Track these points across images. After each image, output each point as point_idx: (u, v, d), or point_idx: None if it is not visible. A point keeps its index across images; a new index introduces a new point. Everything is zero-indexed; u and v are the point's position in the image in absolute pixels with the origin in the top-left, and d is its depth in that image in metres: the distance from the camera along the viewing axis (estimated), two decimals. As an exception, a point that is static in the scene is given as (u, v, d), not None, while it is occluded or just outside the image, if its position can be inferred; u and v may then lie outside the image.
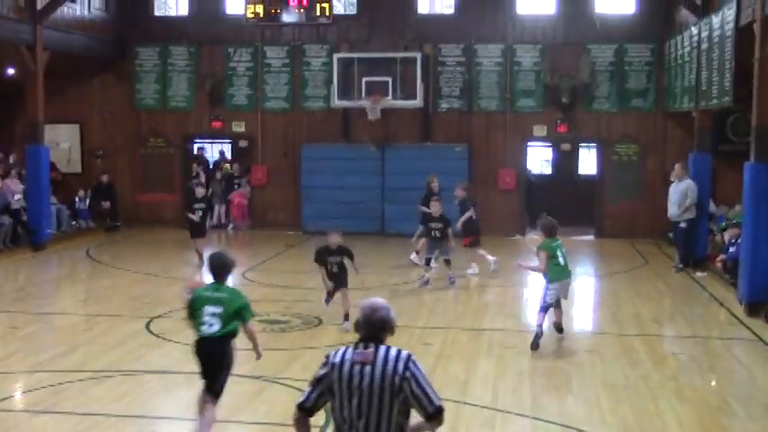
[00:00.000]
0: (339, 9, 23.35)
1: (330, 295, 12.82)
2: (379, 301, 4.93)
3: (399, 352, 4.74)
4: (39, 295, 15.51)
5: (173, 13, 24.30)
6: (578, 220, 22.22)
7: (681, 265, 17.76)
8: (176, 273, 17.11)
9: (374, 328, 4.82)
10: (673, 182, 18.21)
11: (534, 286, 16.30)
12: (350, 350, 4.78)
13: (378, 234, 20.39)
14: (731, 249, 15.75)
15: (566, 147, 23.52)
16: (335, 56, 22.52)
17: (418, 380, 4.65)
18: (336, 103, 22.41)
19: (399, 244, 19.75)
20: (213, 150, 26.90)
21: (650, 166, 22.39)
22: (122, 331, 12.32)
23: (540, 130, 22.86)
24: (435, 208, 15.78)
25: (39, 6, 19.34)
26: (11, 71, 23.04)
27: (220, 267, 8.20)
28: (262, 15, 23.18)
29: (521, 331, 12.73)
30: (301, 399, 4.86)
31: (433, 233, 15.75)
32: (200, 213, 18.02)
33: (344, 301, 12.60)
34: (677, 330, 13.18)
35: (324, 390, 4.78)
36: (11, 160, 22.28)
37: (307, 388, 4.86)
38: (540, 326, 11.48)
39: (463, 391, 9.77)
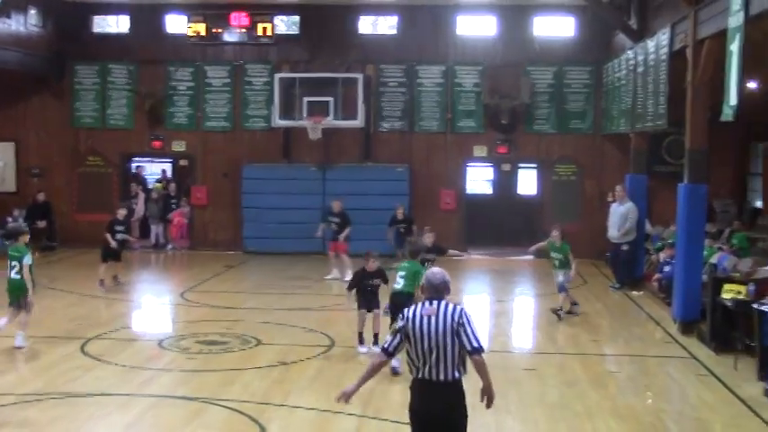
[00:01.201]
0: (281, 29, 23.33)
1: (361, 334, 12.46)
2: (439, 270, 6.58)
3: (455, 306, 6.39)
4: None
5: (112, 30, 24.04)
6: (518, 240, 22.39)
7: (618, 285, 18.01)
8: (114, 294, 16.85)
9: (437, 289, 6.45)
10: (611, 202, 18.47)
11: (475, 306, 16.41)
12: (419, 306, 6.41)
13: (319, 254, 20.33)
14: (666, 269, 16.02)
15: (506, 167, 23.74)
16: (277, 75, 22.47)
17: (466, 326, 6.29)
18: (278, 122, 22.35)
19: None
20: (154, 169, 26.59)
21: (588, 187, 22.72)
22: (57, 353, 12.07)
23: (480, 151, 23.06)
24: (429, 239, 15.17)
25: (-28, 22, 19.02)
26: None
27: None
28: (203, 34, 23.08)
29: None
30: (385, 345, 6.55)
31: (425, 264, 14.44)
32: (121, 237, 17.67)
33: (375, 322, 12.27)
34: (614, 349, 13.32)
35: (402, 337, 6.41)
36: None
37: (388, 337, 6.57)
38: None
39: (401, 413, 9.74)
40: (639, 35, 17.90)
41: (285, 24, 23.49)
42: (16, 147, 24.00)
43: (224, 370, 11.31)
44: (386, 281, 12.37)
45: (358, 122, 21.91)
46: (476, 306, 16.43)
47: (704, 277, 13.64)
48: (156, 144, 23.64)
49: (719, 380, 11.11)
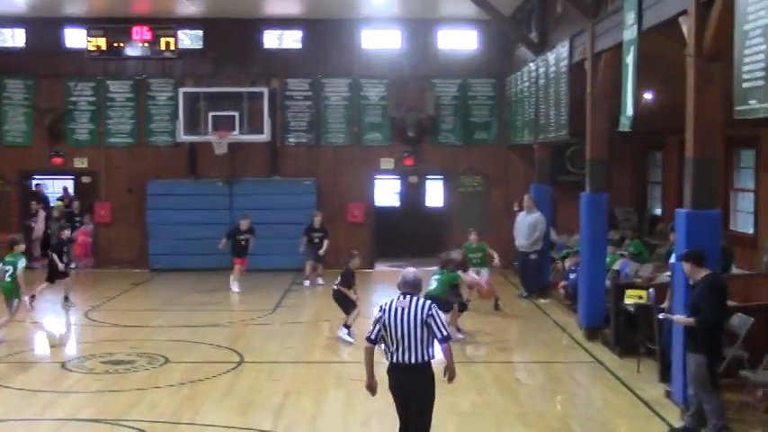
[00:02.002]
0: (185, 43, 23.07)
1: None
2: (412, 270, 7.69)
3: (425, 301, 7.51)
4: None
5: (8, 44, 23.38)
6: (426, 252, 22.51)
7: (526, 294, 18.28)
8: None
9: (410, 285, 7.53)
10: (518, 212, 18.75)
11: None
12: (395, 300, 7.47)
13: (227, 270, 20.10)
14: (572, 276, 16.33)
15: (413, 179, 23.91)
16: (181, 90, 22.16)
17: (435, 317, 7.38)
18: (183, 137, 22.04)
19: (248, 279, 19.56)
20: (55, 187, 25.91)
21: (494, 198, 23.04)
22: (-46, 378, 11.65)
23: (387, 163, 23.17)
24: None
25: None
26: None
27: None
28: (104, 49, 22.65)
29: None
30: (368, 333, 7.55)
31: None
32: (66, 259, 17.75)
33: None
34: (523, 357, 13.54)
35: (381, 326, 7.44)
36: None
37: (369, 327, 7.57)
38: None
39: (312, 426, 9.73)
40: (540, 48, 18.28)
41: (189, 38, 23.21)
42: None
43: (131, 390, 11.08)
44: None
45: (264, 137, 21.77)
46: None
47: (607, 283, 13.95)
48: (57, 161, 23.03)
49: (623, 383, 11.37)
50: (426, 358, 7.41)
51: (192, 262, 21.57)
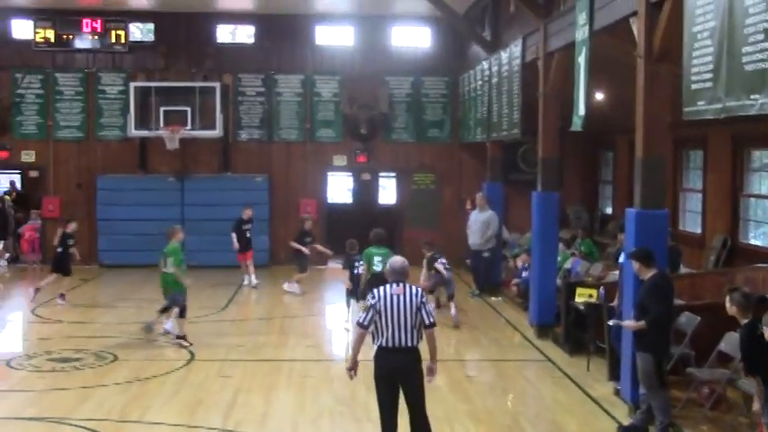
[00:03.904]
0: (136, 36, 22.77)
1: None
2: (400, 258, 8.14)
3: (417, 288, 7.87)
4: None
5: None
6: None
7: (477, 292, 18.34)
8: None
9: (400, 273, 7.89)
10: (471, 210, 18.80)
11: (333, 317, 16.40)
12: (388, 287, 7.78)
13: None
14: (524, 274, 16.43)
15: (365, 176, 23.87)
16: (132, 84, 21.90)
17: (426, 304, 7.81)
18: (133, 132, 21.78)
19: (200, 276, 19.35)
20: (1, 181, 25.40)
21: (447, 195, 23.10)
22: None
23: (340, 160, 23.13)
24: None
25: None
26: None
27: None
28: (53, 41, 22.27)
29: (321, 360, 12.79)
30: (360, 319, 7.79)
31: None
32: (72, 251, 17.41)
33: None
34: (473, 354, 13.58)
35: (374, 312, 7.69)
36: None
37: (362, 313, 7.85)
38: None
39: (262, 424, 9.66)
40: (493, 47, 18.34)
41: (140, 32, 22.94)
42: None
43: (78, 388, 10.92)
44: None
45: (216, 132, 21.61)
46: (334, 316, 16.41)
47: (558, 282, 14.06)
48: (3, 154, 22.63)
49: (573, 381, 11.47)
50: (417, 342, 7.77)
51: (142, 258, 21.21)
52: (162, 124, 21.32)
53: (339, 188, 24.39)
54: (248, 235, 19.04)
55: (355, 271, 14.56)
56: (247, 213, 19.19)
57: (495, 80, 17.66)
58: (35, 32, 22.22)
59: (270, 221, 22.24)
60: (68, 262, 17.09)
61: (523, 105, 15.54)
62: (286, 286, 18.24)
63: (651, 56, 9.41)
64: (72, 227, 17.35)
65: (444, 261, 15.64)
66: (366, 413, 9.82)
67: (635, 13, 9.72)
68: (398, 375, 7.77)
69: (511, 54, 16.27)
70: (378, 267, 13.38)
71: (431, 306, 8.03)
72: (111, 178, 22.30)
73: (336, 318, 16.10)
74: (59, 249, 17.04)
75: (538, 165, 14.83)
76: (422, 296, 7.83)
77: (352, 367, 7.94)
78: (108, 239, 22.06)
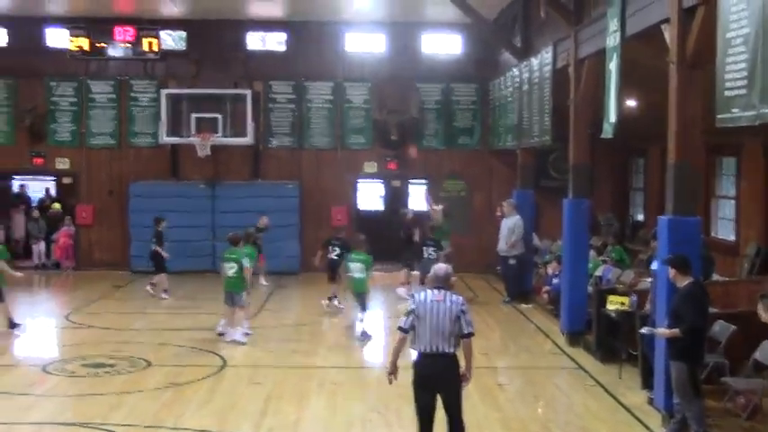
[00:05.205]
0: (168, 43, 22.95)
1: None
2: (443, 265, 8.29)
3: (458, 296, 7.95)
4: None
5: (-9, 44, 23.25)
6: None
7: (509, 299, 18.29)
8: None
9: (442, 280, 8.01)
10: (501, 217, 18.77)
11: (371, 322, 16.40)
12: (429, 293, 7.93)
13: (209, 272, 20.01)
14: (554, 281, 16.36)
15: (396, 183, 23.89)
16: (164, 91, 22.08)
17: (466, 313, 7.86)
18: (165, 139, 21.95)
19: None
20: (36, 188, 25.73)
21: (477, 202, 23.06)
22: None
23: (370, 167, 23.17)
24: None
25: None
26: None
27: None
28: (87, 49, 22.52)
29: (353, 367, 12.81)
30: (401, 324, 7.90)
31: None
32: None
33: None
34: (505, 362, 13.53)
35: (414, 317, 7.81)
36: None
37: (402, 318, 7.93)
38: None
39: (294, 431, 9.69)
40: (524, 53, 18.31)
41: (172, 39, 23.10)
42: None
43: (112, 393, 11.02)
44: None
45: (247, 139, 21.72)
46: (372, 322, 16.41)
47: (590, 289, 13.99)
48: (38, 161, 22.92)
49: (605, 389, 11.40)
50: (455, 349, 7.83)
51: (174, 264, 21.38)
52: (193, 131, 21.46)
53: (370, 195, 24.42)
54: (259, 242, 18.86)
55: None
56: (263, 221, 19.24)
57: (525, 87, 17.62)
58: (70, 41, 22.46)
59: (300, 228, 22.31)
60: (163, 258, 18.17)
61: (554, 112, 15.50)
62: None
63: (684, 62, 9.36)
64: (163, 225, 18.44)
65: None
66: (398, 420, 9.82)
67: (667, 20, 9.66)
68: (436, 381, 7.84)
69: (541, 60, 16.23)
70: (355, 274, 14.68)
71: (469, 315, 7.90)
72: (144, 185, 22.47)
73: (375, 323, 16.08)
74: (154, 248, 18.10)
75: (568, 171, 14.78)
76: (462, 305, 7.88)
77: (392, 372, 8.06)
78: (140, 246, 22.17)
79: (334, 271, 17.09)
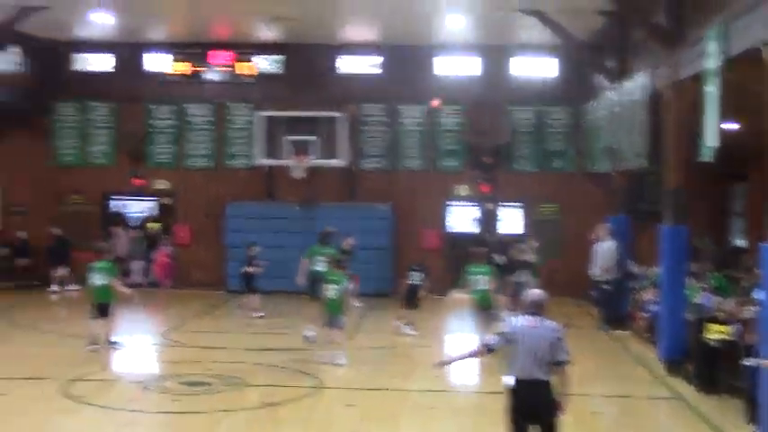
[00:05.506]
0: (263, 66, 23.40)
1: None
2: (537, 290, 8.12)
3: (553, 323, 7.81)
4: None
5: (94, 68, 24.04)
6: (502, 277, 22.30)
7: (607, 326, 17.96)
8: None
9: (537, 305, 7.84)
10: (595, 241, 18.53)
11: (461, 343, 16.35)
12: (523, 318, 7.79)
13: (304, 293, 20.19)
14: (651, 308, 16.05)
15: (489, 206, 23.80)
16: (259, 114, 22.51)
17: (562, 340, 7.72)
18: (260, 161, 22.36)
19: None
20: (135, 208, 26.43)
21: (569, 226, 22.78)
22: (37, 395, 11.89)
23: (462, 190, 23.15)
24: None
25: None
26: None
27: None
28: (187, 73, 23.14)
29: (447, 391, 12.78)
30: (491, 341, 7.90)
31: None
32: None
33: None
34: (600, 389, 13.28)
35: (504, 340, 7.71)
36: None
37: (494, 337, 7.90)
38: None
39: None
40: (618, 76, 18.10)
41: (268, 62, 23.55)
42: (-1, 185, 23.88)
43: (209, 412, 11.20)
44: None
45: (341, 161, 21.96)
46: (462, 343, 16.36)
47: (688, 316, 13.68)
48: (138, 182, 23.60)
49: (706, 421, 11.10)
50: (549, 376, 7.71)
51: (270, 284, 21.66)
52: (288, 153, 21.78)
53: (461, 218, 24.37)
54: (345, 264, 18.77)
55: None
56: (348, 243, 19.21)
57: (619, 110, 17.40)
58: (173, 66, 23.12)
59: (393, 250, 22.41)
60: (254, 279, 18.66)
61: (650, 135, 15.26)
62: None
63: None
64: (255, 250, 18.94)
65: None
66: (492, 446, 9.75)
67: (768, 43, 9.47)
68: (534, 410, 7.74)
69: (637, 83, 16.02)
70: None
71: (565, 343, 7.76)
72: (240, 206, 22.89)
73: (467, 344, 16.00)
74: (245, 269, 18.66)
75: (665, 196, 14.52)
76: (559, 331, 7.76)
77: (444, 364, 8.50)
78: (236, 266, 22.51)
79: (411, 297, 17.05)
